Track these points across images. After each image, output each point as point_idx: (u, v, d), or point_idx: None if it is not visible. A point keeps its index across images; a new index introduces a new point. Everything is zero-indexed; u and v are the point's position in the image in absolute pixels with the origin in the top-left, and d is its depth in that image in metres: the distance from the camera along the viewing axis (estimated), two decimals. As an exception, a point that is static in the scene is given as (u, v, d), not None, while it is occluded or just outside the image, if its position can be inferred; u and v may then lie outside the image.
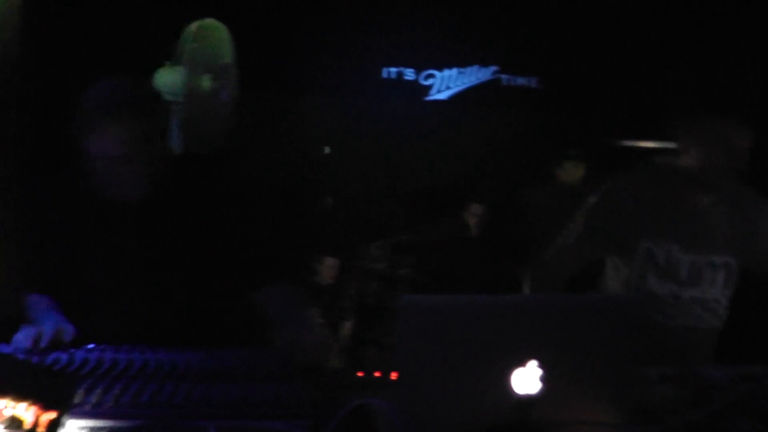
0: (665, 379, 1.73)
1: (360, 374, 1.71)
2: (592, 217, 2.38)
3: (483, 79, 6.09)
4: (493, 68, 6.08)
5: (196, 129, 3.91)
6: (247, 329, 2.15)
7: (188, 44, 3.95)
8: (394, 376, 1.67)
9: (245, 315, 2.18)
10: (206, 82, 4.03)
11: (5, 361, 1.38)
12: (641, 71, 5.48)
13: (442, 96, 6.04)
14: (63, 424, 1.32)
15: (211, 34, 4.10)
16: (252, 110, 4.70)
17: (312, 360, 1.76)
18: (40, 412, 1.30)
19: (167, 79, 3.90)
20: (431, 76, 6.00)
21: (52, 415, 1.31)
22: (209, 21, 4.09)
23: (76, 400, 1.43)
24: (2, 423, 1.29)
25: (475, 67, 6.06)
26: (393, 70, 5.91)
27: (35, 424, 1.30)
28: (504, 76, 6.10)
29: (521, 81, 6.10)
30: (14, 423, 1.29)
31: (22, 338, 1.85)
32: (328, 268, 4.77)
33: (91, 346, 1.87)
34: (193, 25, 4.01)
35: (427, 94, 6.01)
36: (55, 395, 1.32)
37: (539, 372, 1.39)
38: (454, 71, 6.04)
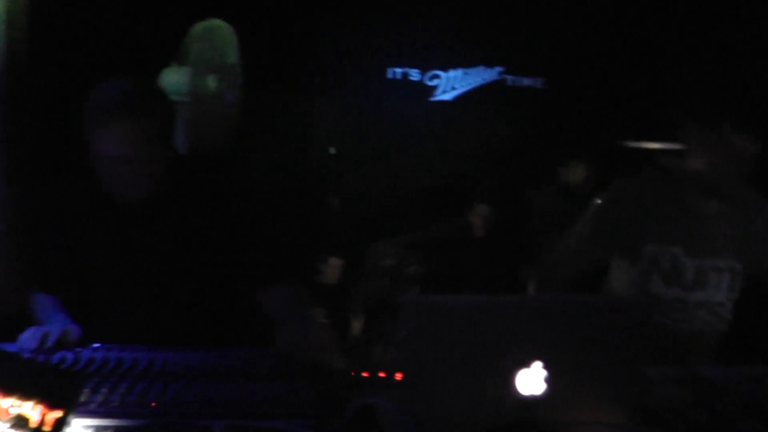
0: (668, 380, 1.73)
1: (365, 374, 1.71)
2: (597, 219, 2.38)
3: (488, 80, 6.08)
4: (499, 69, 6.08)
5: (201, 129, 3.92)
6: (253, 329, 2.15)
7: (194, 45, 3.96)
8: (398, 376, 1.67)
9: (251, 315, 2.18)
10: (211, 83, 4.05)
11: (12, 360, 1.39)
12: (648, 72, 5.47)
13: (448, 96, 6.04)
14: (69, 423, 1.32)
15: (217, 35, 4.11)
16: (257, 111, 4.70)
17: (316, 360, 1.76)
18: (46, 410, 1.31)
19: (173, 79, 3.91)
20: (436, 76, 5.99)
21: (58, 413, 1.31)
22: (214, 21, 4.10)
23: (82, 399, 1.44)
24: (8, 421, 1.30)
25: (480, 68, 6.06)
26: (398, 70, 5.90)
27: (41, 423, 1.30)
28: (509, 77, 6.09)
29: (527, 82, 6.09)
30: (20, 421, 1.30)
31: (28, 338, 1.86)
32: (332, 268, 4.78)
33: (96, 345, 1.88)
34: (199, 26, 4.02)
35: (432, 95, 6.01)
36: (61, 394, 1.33)
37: (544, 373, 1.39)
38: (460, 72, 6.03)
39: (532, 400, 1.38)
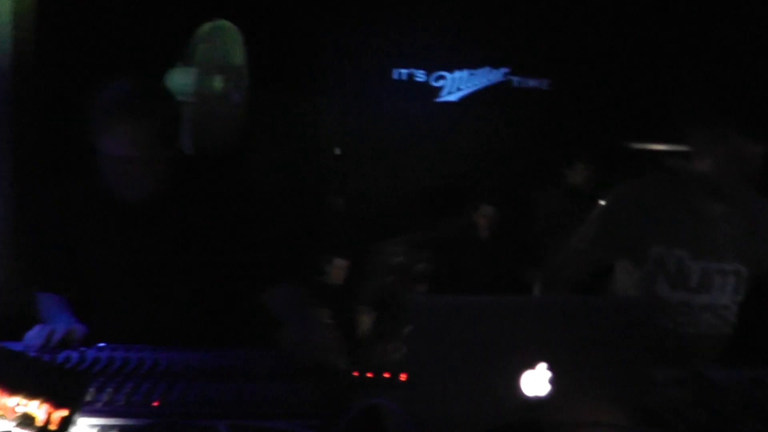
0: (673, 382, 1.73)
1: (369, 375, 1.71)
2: (602, 221, 2.38)
3: (494, 81, 6.07)
4: (504, 70, 6.07)
5: (207, 130, 3.93)
6: (257, 329, 2.15)
7: (200, 45, 3.97)
8: (403, 377, 1.67)
9: (255, 315, 2.18)
10: (218, 83, 4.05)
11: (17, 359, 1.39)
12: (654, 74, 5.46)
13: (453, 97, 6.03)
14: (74, 422, 1.33)
15: (223, 36, 4.12)
16: (263, 111, 4.71)
17: (319, 360, 1.76)
18: (51, 409, 1.31)
19: (179, 79, 3.91)
20: (442, 77, 5.99)
21: (63, 412, 1.32)
22: (221, 22, 4.10)
23: (88, 398, 1.44)
24: (15, 420, 1.30)
25: (485, 69, 6.05)
26: (404, 71, 5.90)
27: (47, 422, 1.31)
28: (515, 78, 6.08)
29: (532, 83, 6.08)
30: (26, 420, 1.31)
31: (34, 336, 1.86)
32: (338, 269, 4.77)
33: (102, 344, 1.88)
34: (205, 27, 4.03)
35: (437, 96, 6.00)
36: (66, 393, 1.33)
37: (548, 374, 1.39)
38: (465, 73, 6.02)
39: (537, 401, 1.38)
